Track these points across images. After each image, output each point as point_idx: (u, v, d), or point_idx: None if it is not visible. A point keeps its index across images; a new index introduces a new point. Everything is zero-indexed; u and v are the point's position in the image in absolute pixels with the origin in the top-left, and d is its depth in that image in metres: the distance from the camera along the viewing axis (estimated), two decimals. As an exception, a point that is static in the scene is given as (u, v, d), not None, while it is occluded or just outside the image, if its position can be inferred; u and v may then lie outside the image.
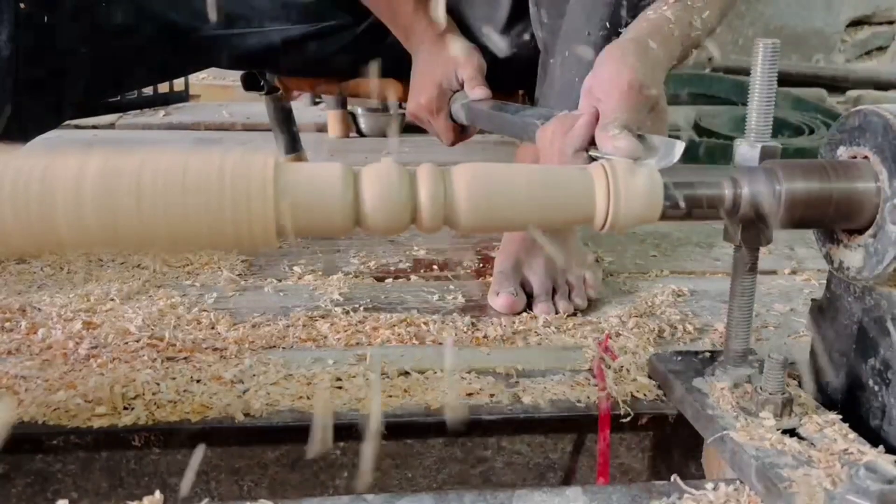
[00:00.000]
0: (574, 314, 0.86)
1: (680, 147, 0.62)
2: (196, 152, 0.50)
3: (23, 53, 0.89)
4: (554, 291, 0.87)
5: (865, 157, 0.56)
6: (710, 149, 1.72)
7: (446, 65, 1.00)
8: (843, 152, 0.59)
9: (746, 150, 0.59)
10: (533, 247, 0.89)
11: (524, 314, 0.86)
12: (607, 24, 0.82)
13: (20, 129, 0.94)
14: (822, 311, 0.64)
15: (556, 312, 0.85)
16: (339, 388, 0.69)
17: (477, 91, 0.97)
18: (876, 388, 0.58)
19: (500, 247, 0.95)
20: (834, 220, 0.57)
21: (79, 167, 0.48)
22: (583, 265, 0.91)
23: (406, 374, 0.72)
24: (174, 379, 0.69)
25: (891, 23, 2.84)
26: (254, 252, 1.02)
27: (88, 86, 1.00)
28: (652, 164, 0.57)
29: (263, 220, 0.49)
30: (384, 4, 1.04)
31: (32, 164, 0.48)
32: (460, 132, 1.03)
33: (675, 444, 0.69)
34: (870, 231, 0.56)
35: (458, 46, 1.00)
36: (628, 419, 0.67)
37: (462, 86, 0.99)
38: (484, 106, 0.95)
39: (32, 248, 0.51)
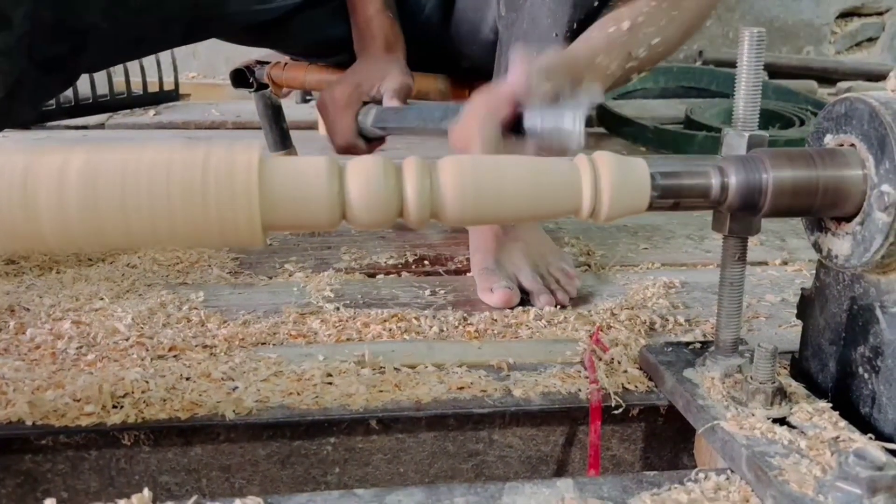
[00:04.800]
0: (564, 307, 0.86)
1: (596, 93, 0.65)
2: (180, 148, 0.49)
3: (39, 30, 0.87)
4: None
5: (852, 145, 0.56)
6: (702, 142, 1.72)
7: (375, 73, 0.98)
8: (829, 140, 0.59)
9: (734, 140, 0.59)
10: (507, 243, 0.89)
11: (516, 308, 0.85)
12: (574, 26, 0.83)
13: (30, 99, 0.93)
14: (811, 299, 0.64)
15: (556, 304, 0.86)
16: (330, 383, 0.69)
17: (394, 101, 0.95)
18: (866, 375, 0.58)
19: (472, 247, 0.95)
20: (821, 208, 0.57)
21: (61, 165, 0.47)
22: (557, 257, 0.92)
23: (397, 369, 0.72)
24: (163, 377, 0.69)
25: (880, 14, 2.85)
26: (242, 249, 1.01)
27: (102, 56, 1.00)
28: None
29: (249, 215, 0.49)
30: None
31: (14, 163, 0.47)
32: (356, 142, 0.99)
33: (666, 435, 0.69)
34: (857, 219, 0.56)
35: (396, 65, 0.99)
36: (619, 411, 0.67)
37: (380, 101, 0.97)
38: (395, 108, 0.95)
39: (18, 249, 0.50)
